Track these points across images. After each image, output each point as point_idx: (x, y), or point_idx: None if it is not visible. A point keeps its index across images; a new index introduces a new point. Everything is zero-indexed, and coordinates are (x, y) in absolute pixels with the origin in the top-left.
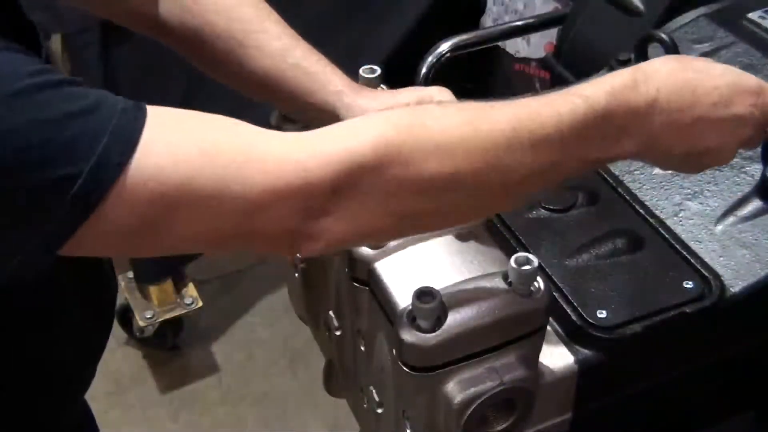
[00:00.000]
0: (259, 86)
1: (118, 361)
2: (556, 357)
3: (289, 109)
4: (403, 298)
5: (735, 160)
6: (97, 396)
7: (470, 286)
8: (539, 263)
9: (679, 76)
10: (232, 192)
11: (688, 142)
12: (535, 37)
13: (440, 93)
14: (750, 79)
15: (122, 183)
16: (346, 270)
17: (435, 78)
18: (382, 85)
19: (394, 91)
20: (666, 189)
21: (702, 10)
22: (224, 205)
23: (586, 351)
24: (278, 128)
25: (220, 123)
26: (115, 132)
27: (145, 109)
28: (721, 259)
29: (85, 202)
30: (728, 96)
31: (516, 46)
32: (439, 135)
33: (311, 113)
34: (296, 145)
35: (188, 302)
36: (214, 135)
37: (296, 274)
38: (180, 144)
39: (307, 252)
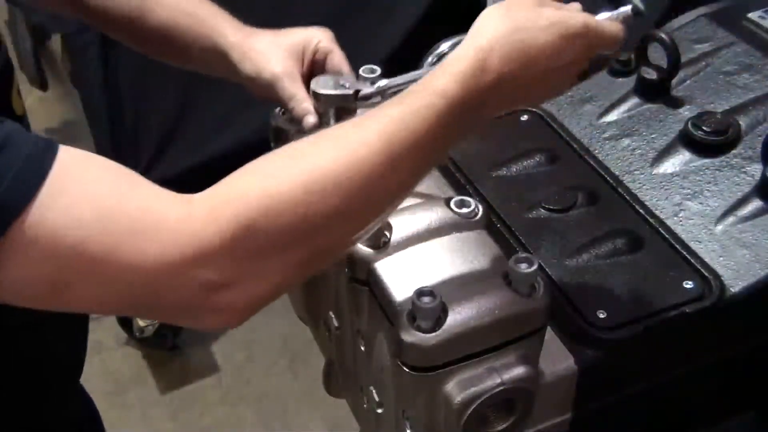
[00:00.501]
0: (158, 41)
1: (118, 361)
2: (556, 357)
3: (187, 62)
4: (403, 298)
5: (735, 160)
6: (97, 396)
7: (470, 286)
8: (539, 263)
9: (513, 42)
10: (125, 261)
11: (530, 92)
12: None
13: (322, 33)
14: (575, 22)
15: (15, 234)
16: (346, 270)
17: None
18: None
19: (278, 32)
20: (666, 189)
21: (702, 10)
22: (118, 274)
23: (586, 351)
24: (278, 128)
25: (122, 182)
26: (16, 179)
27: (54, 154)
28: (721, 259)
29: None
30: (558, 47)
31: None
32: (317, 175)
33: (206, 61)
34: (190, 213)
35: None
36: (113, 197)
37: None
38: (79, 204)
39: (216, 325)
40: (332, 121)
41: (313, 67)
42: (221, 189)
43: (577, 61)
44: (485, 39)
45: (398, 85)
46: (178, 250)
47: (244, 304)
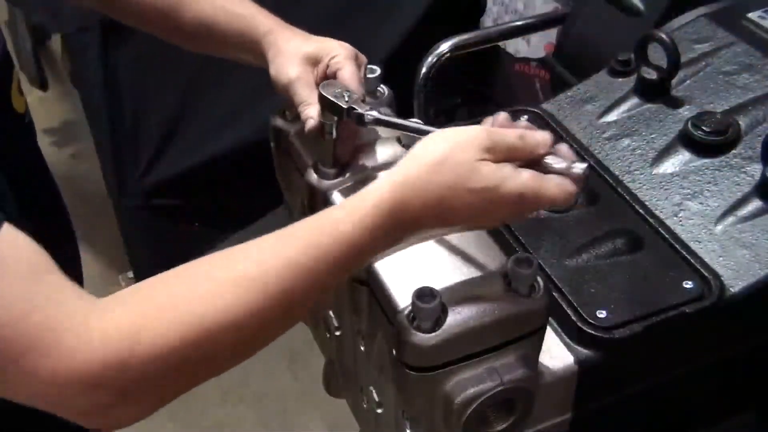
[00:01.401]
0: (195, 36)
1: None
2: (556, 357)
3: (222, 53)
4: (403, 298)
5: (735, 160)
6: None
7: (470, 286)
8: (539, 263)
9: (434, 199)
10: (20, 373)
11: (449, 231)
12: (535, 37)
13: (341, 48)
14: (509, 190)
15: None
16: None
17: (435, 78)
18: (381, 86)
19: (309, 37)
20: (666, 189)
21: (702, 10)
22: (11, 382)
23: (586, 351)
24: (278, 129)
25: (38, 288)
26: None
27: None
28: (721, 259)
29: None
30: (483, 211)
31: (516, 46)
32: (210, 326)
33: (244, 56)
34: (87, 341)
35: None
36: (24, 308)
37: None
38: None
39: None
40: (334, 131)
41: (325, 79)
42: (121, 316)
43: (506, 219)
44: (406, 193)
45: (387, 122)
46: (67, 375)
47: (129, 419)
